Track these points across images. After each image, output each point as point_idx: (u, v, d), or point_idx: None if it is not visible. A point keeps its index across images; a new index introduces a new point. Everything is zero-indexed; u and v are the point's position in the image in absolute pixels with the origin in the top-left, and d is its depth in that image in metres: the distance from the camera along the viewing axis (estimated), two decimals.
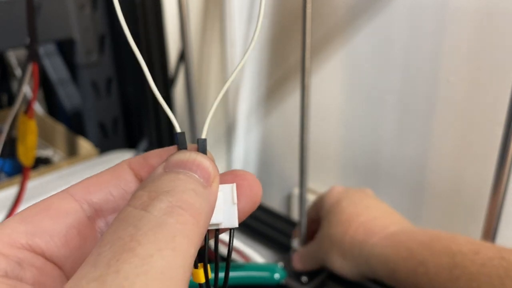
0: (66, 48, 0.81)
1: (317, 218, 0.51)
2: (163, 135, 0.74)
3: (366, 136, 0.62)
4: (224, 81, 0.76)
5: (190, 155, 0.18)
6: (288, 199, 0.74)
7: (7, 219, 0.18)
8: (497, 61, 0.47)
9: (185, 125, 0.75)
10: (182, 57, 0.64)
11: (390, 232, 0.43)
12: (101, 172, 0.20)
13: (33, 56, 0.48)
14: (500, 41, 0.47)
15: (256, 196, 0.20)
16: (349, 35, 0.58)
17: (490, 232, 0.44)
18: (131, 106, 0.83)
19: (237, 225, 0.19)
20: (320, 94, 0.63)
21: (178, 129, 0.20)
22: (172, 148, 0.20)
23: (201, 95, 0.77)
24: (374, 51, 0.57)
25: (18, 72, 0.87)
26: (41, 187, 0.66)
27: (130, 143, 0.84)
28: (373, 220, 0.45)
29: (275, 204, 0.76)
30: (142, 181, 0.18)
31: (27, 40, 0.47)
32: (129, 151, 0.78)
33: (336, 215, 0.46)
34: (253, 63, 0.71)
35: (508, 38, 0.46)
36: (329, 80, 0.62)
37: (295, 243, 0.54)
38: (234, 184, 0.19)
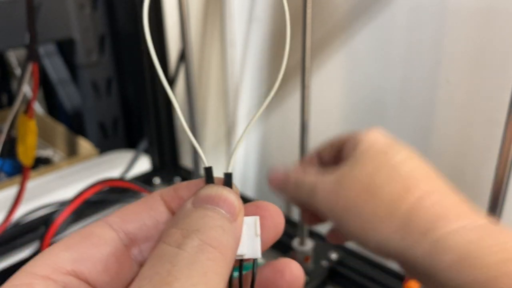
0: (66, 48, 0.81)
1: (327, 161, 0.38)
2: (163, 135, 0.74)
3: None
4: (224, 81, 0.76)
5: (217, 190, 0.20)
6: None
7: (52, 246, 0.19)
8: (497, 61, 0.47)
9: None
10: (182, 57, 0.64)
11: (479, 225, 0.30)
12: (135, 203, 0.21)
13: (33, 56, 0.47)
14: (500, 41, 0.47)
15: (278, 227, 0.22)
16: (349, 35, 0.58)
17: None
18: (131, 106, 0.83)
19: (260, 256, 0.20)
20: (320, 94, 0.63)
21: (205, 163, 0.21)
22: (200, 181, 0.21)
23: (201, 95, 0.77)
24: (374, 51, 0.57)
25: (18, 72, 0.87)
26: (41, 187, 0.66)
27: (130, 143, 0.84)
28: (445, 197, 0.32)
29: (275, 204, 0.76)
30: (174, 216, 0.20)
31: (27, 40, 0.47)
32: (129, 151, 0.78)
33: (386, 168, 0.32)
34: (253, 63, 0.71)
35: (508, 38, 0.46)
36: (329, 80, 0.62)
37: (296, 243, 0.54)
38: (258, 217, 0.21)
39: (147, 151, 0.75)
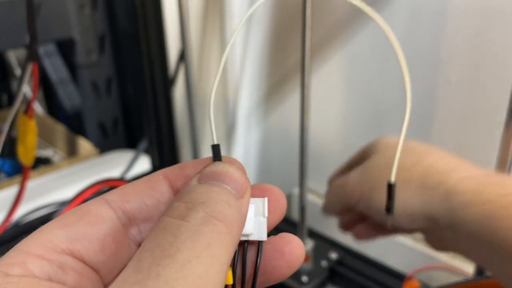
0: (66, 48, 0.81)
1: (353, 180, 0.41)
2: (163, 135, 0.74)
3: (365, 136, 0.62)
4: (224, 81, 0.76)
5: (224, 167, 0.19)
6: (288, 199, 0.74)
7: (47, 224, 0.18)
8: (497, 61, 0.47)
9: (185, 125, 0.75)
10: (182, 57, 0.64)
11: (483, 173, 0.35)
12: (137, 181, 0.20)
13: (33, 56, 0.47)
14: (500, 41, 0.47)
15: (281, 210, 0.21)
16: (349, 35, 0.58)
17: None
18: (131, 106, 0.83)
19: (265, 239, 0.20)
20: (320, 94, 0.63)
21: (214, 140, 0.21)
22: (208, 159, 0.21)
23: (201, 95, 0.77)
24: (374, 51, 0.57)
25: (18, 72, 0.87)
26: (41, 187, 0.66)
27: (130, 143, 0.84)
28: (454, 160, 0.37)
29: None
30: (178, 192, 0.19)
31: (27, 40, 0.47)
32: (129, 151, 0.78)
33: (402, 151, 0.32)
34: (253, 63, 0.71)
35: (508, 38, 0.46)
36: (329, 80, 0.62)
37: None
38: (266, 199, 0.20)
39: (147, 151, 0.75)
